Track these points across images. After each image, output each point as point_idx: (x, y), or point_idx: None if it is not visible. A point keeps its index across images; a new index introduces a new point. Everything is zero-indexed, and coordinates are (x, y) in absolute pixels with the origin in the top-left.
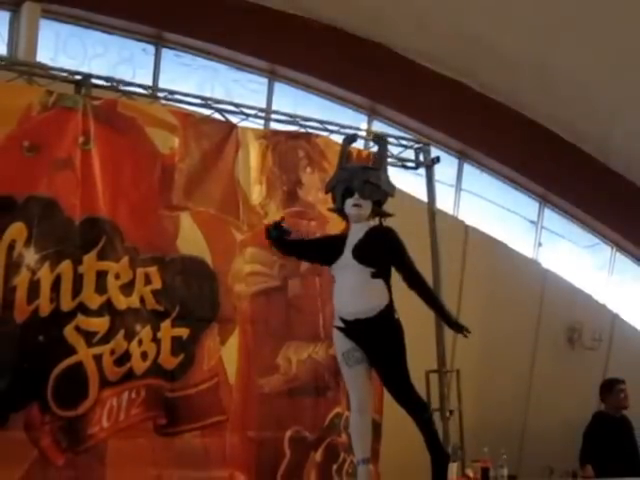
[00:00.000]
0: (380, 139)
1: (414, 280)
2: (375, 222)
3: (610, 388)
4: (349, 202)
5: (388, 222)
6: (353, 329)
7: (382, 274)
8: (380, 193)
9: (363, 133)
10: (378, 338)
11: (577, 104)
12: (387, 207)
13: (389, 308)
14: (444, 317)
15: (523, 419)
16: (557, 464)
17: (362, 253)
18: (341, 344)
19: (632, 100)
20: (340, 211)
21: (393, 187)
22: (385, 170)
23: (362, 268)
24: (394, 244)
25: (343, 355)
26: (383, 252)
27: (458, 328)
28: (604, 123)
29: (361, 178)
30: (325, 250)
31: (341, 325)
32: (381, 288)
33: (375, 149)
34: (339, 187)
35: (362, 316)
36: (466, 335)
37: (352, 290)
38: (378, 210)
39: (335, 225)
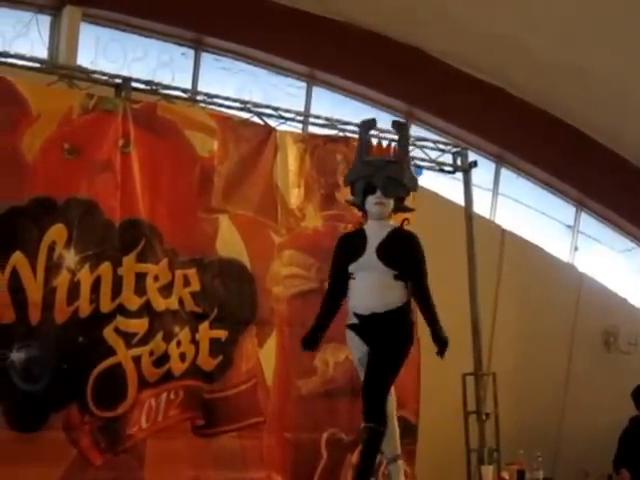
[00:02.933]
0: (400, 125)
1: (423, 293)
2: (396, 222)
3: None
4: (371, 199)
5: (423, 222)
6: (367, 324)
7: (404, 277)
8: (403, 189)
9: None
10: (388, 332)
11: (613, 107)
12: (423, 209)
13: (407, 306)
14: (434, 334)
15: (559, 422)
16: (592, 467)
17: (387, 254)
18: (356, 349)
19: None
20: (360, 207)
21: (416, 181)
22: (408, 161)
23: (386, 270)
24: (417, 252)
25: (360, 360)
26: (406, 257)
27: (441, 347)
28: None
29: (383, 174)
30: (347, 261)
31: (355, 322)
32: (401, 288)
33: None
34: (360, 182)
35: (379, 310)
36: (440, 355)
37: (373, 289)
38: (400, 206)
39: None
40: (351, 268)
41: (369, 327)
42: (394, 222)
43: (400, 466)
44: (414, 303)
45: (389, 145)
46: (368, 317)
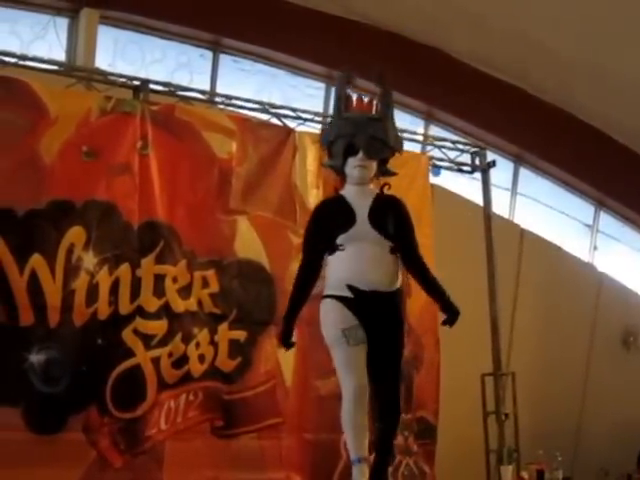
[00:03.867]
0: (381, 78)
1: (420, 265)
2: (375, 186)
3: None
4: (352, 162)
5: (441, 222)
6: (367, 302)
7: (396, 251)
8: (387, 151)
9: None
10: (394, 317)
11: (633, 107)
12: (442, 209)
13: (401, 292)
14: (444, 304)
15: (578, 422)
16: (612, 467)
17: (379, 223)
18: (343, 319)
19: None
20: (339, 169)
21: (401, 142)
22: (392, 119)
23: (381, 240)
24: (408, 220)
25: (344, 332)
26: (397, 225)
27: (453, 317)
28: None
29: (366, 133)
30: (333, 231)
31: (348, 295)
32: (398, 267)
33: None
34: (339, 142)
35: (382, 289)
36: (450, 325)
37: (372, 260)
38: (383, 169)
39: None
40: (340, 239)
41: (369, 306)
42: (373, 187)
43: (365, 470)
44: None
45: (371, 100)
46: (369, 294)
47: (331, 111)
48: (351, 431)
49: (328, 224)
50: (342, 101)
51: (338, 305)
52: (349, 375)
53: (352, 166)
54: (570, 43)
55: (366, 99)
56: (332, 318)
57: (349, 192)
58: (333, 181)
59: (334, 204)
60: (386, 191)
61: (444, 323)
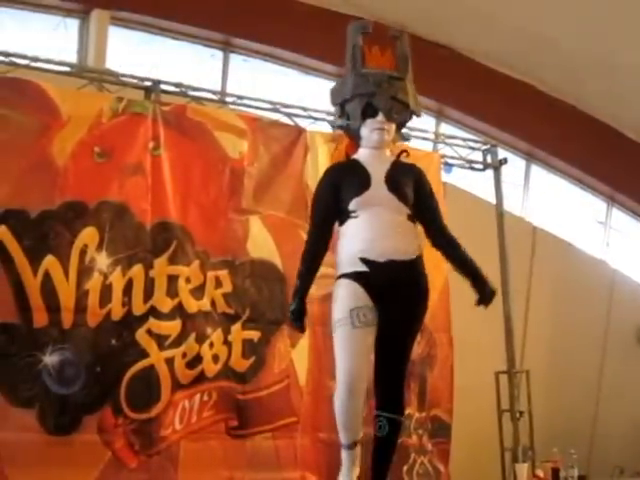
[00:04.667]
0: (399, 33)
1: (446, 235)
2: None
3: None
4: (370, 124)
5: (453, 220)
6: (381, 274)
7: (416, 219)
8: (407, 113)
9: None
10: (414, 288)
11: None
12: (454, 207)
13: (422, 260)
14: (478, 281)
15: (593, 419)
16: (627, 464)
17: (398, 187)
18: (355, 298)
19: None
20: (353, 132)
21: (420, 105)
22: (410, 78)
23: (400, 206)
24: (427, 185)
25: (352, 312)
26: (418, 192)
27: (489, 297)
28: None
29: (387, 93)
30: (346, 196)
31: (363, 269)
32: (416, 234)
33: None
34: (357, 102)
35: (398, 257)
36: (486, 305)
37: (388, 227)
38: (400, 134)
39: None
40: (353, 205)
41: (384, 278)
42: (390, 154)
43: (356, 455)
44: None
45: (389, 54)
46: (384, 265)
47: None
48: (342, 417)
49: (340, 187)
50: (358, 54)
51: (351, 284)
52: (346, 358)
53: (371, 128)
54: (580, 39)
55: (384, 53)
56: (341, 298)
57: (364, 156)
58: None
59: (347, 167)
60: (404, 159)
61: (478, 303)
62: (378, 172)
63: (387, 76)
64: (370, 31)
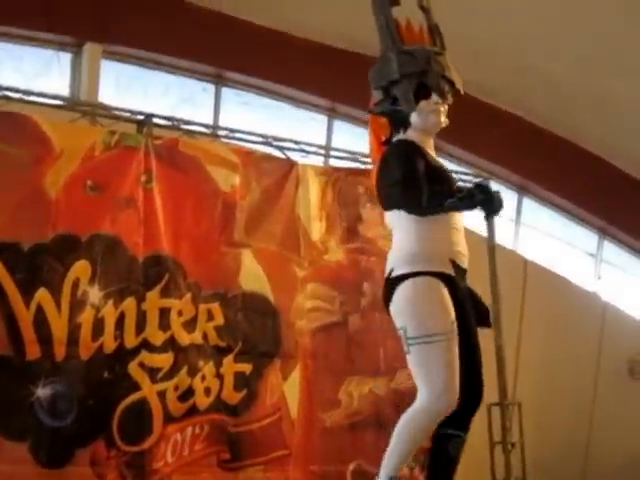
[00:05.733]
0: (423, 9)
1: None
2: None
3: None
4: (425, 106)
5: None
6: (461, 281)
7: None
8: (454, 93)
9: None
10: (474, 298)
11: (635, 135)
12: None
13: None
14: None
15: (585, 451)
16: None
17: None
18: (450, 307)
19: None
20: (402, 116)
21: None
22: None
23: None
24: None
25: (452, 324)
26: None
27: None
28: None
29: (436, 70)
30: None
31: (451, 273)
32: None
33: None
34: (406, 82)
35: (466, 264)
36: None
37: (460, 231)
38: None
39: None
40: None
41: (463, 284)
42: None
43: None
44: None
45: (422, 28)
46: (463, 272)
47: (334, 144)
48: (405, 445)
49: (423, 163)
50: (393, 29)
51: (442, 288)
52: (446, 381)
53: (427, 111)
54: (574, 72)
55: (416, 26)
56: (438, 301)
57: (417, 142)
58: (337, 215)
59: (422, 150)
60: None
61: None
62: (439, 164)
63: (432, 52)
64: (399, 3)
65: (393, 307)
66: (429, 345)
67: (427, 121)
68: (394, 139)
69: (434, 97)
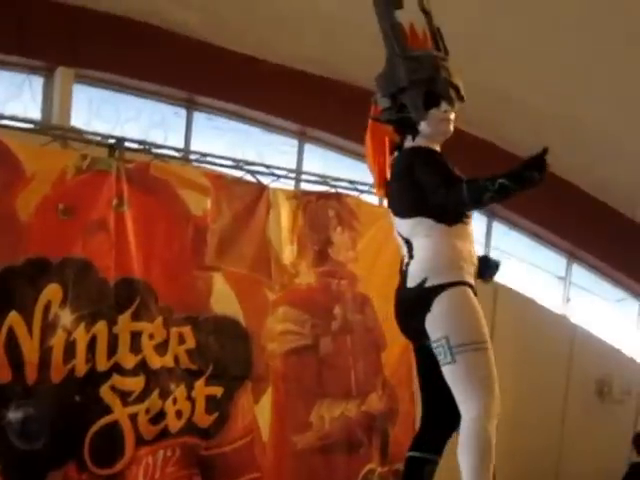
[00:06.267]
0: (425, 11)
1: None
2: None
3: None
4: (435, 114)
5: None
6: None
7: None
8: (458, 98)
9: None
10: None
11: (604, 159)
12: None
13: None
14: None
15: (555, 473)
16: None
17: None
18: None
19: None
20: (411, 124)
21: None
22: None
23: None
24: None
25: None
26: None
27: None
28: (631, 178)
29: (444, 76)
30: None
31: (473, 283)
32: None
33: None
34: (415, 90)
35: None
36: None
37: (473, 244)
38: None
39: (367, 283)
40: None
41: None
42: None
43: None
44: None
45: (425, 32)
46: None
47: (305, 168)
48: (483, 463)
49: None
50: (399, 34)
51: (474, 297)
52: (495, 385)
53: (438, 119)
54: (543, 97)
55: (420, 31)
56: (478, 310)
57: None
58: (308, 239)
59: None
60: None
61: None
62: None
63: (439, 58)
64: (402, 6)
65: (432, 317)
66: (479, 352)
67: (437, 130)
68: (406, 147)
69: (443, 105)
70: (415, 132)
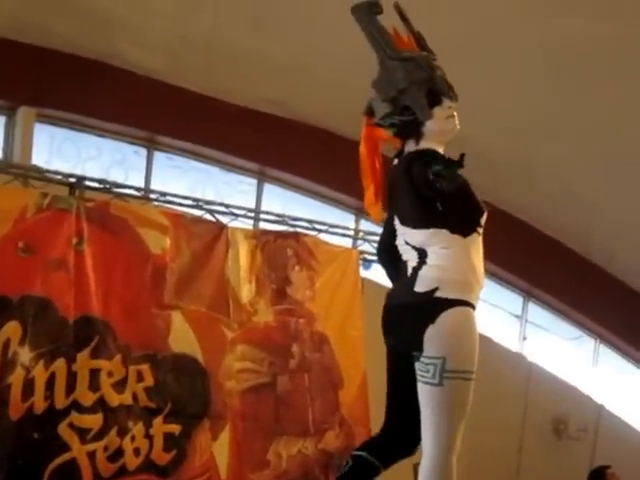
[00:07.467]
0: (404, 18)
1: None
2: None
3: (602, 476)
4: (440, 112)
5: (370, 317)
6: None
7: None
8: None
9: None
10: None
11: (558, 200)
12: (370, 306)
13: None
14: None
15: None
16: None
17: None
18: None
19: (613, 195)
20: (415, 126)
21: None
22: None
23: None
24: None
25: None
26: None
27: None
28: (585, 218)
29: (440, 75)
30: None
31: (475, 304)
32: None
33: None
34: (416, 90)
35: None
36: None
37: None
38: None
39: (325, 322)
40: (483, 219)
41: None
42: None
43: None
44: None
45: (408, 36)
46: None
47: (264, 208)
48: None
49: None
50: (387, 37)
51: (475, 319)
52: (464, 419)
53: (444, 116)
54: (497, 139)
55: (403, 34)
56: (477, 339)
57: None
58: (267, 278)
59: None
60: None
61: None
62: None
63: (431, 58)
64: (382, 11)
65: (433, 331)
66: (467, 382)
67: (444, 127)
68: (410, 151)
69: (446, 102)
70: (419, 135)
